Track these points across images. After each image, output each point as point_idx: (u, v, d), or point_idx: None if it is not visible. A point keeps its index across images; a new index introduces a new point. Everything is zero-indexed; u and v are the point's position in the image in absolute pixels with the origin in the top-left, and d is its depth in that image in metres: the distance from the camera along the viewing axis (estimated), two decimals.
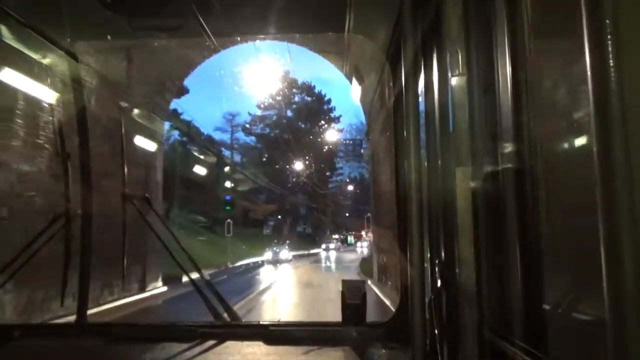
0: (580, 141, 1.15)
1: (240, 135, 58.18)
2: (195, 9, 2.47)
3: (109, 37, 3.81)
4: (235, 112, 55.18)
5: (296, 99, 55.76)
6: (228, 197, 43.59)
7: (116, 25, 2.78)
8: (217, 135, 53.73)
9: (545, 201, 1.38)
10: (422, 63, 2.11)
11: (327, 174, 61.45)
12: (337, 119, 57.45)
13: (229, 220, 26.82)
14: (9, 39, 2.89)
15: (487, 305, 1.43)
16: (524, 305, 1.25)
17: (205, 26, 2.61)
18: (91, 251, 3.05)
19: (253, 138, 56.61)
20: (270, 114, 55.45)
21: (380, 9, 2.55)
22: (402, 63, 2.34)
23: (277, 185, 52.47)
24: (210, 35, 2.73)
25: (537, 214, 1.36)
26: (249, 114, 55.47)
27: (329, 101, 56.05)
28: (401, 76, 2.46)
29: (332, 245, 54.07)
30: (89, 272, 3.04)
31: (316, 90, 56.16)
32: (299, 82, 54.68)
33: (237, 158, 55.90)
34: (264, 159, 55.86)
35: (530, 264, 1.29)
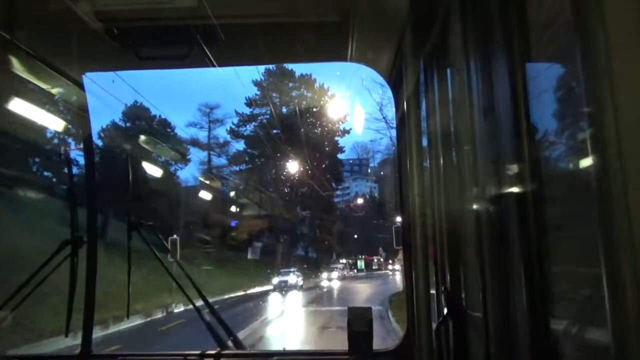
0: (585, 162, 1.14)
1: (221, 132, 48.71)
2: (200, 39, 2.52)
3: (116, 67, 3.89)
4: (213, 104, 45.57)
5: (294, 93, 45.69)
6: (234, 223, 37.96)
7: (123, 56, 2.83)
8: (191, 133, 43.74)
9: (552, 225, 1.36)
10: (424, 87, 2.13)
11: (332, 185, 51.38)
12: (343, 119, 46.41)
13: (174, 236, 16.72)
14: (20, 71, 2.95)
15: (494, 333, 1.39)
16: (532, 333, 1.22)
17: (209, 55, 2.66)
18: (96, 280, 3.04)
19: (241, 140, 47.03)
20: (262, 111, 46.35)
21: (382, 36, 2.59)
22: (404, 88, 2.37)
23: (270, 196, 43.14)
24: (215, 63, 2.78)
25: (543, 238, 1.34)
26: (236, 112, 46.47)
27: (332, 96, 44.96)
28: (403, 101, 2.49)
29: (292, 280, 34.49)
30: (94, 302, 3.02)
31: (317, 85, 45.30)
32: (297, 74, 44.74)
33: (217, 161, 46.14)
34: (253, 164, 46.32)
35: (537, 290, 1.27)
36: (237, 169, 47.39)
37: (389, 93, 3.06)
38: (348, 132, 49.09)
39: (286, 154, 41.72)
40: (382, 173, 59.10)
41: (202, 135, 46.22)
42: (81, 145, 3.29)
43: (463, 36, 1.60)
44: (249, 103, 46.30)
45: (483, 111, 1.47)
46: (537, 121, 1.31)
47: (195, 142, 44.62)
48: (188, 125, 45.13)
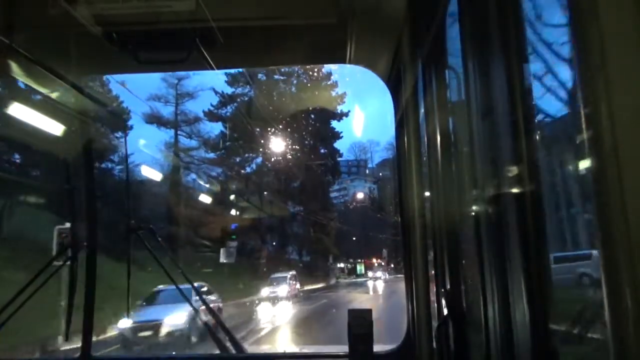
0: (583, 162, 1.14)
1: (191, 107, 42.31)
2: (199, 42, 2.53)
3: (115, 71, 3.90)
4: (182, 74, 36.99)
5: (283, 69, 38.73)
6: (234, 226, 33.33)
7: (122, 60, 2.84)
8: (152, 106, 35.95)
9: (551, 225, 1.36)
10: (422, 89, 2.13)
11: (329, 178, 45.45)
12: (340, 99, 39.61)
13: (65, 224, 9.82)
14: (19, 75, 2.96)
15: (494, 334, 1.39)
16: (532, 334, 1.22)
17: (208, 58, 2.66)
18: (96, 284, 3.04)
19: (219, 122, 39.45)
20: (245, 91, 39.64)
21: (380, 38, 2.60)
22: (403, 89, 2.37)
23: (255, 188, 37.13)
24: (214, 66, 2.78)
25: (543, 239, 1.34)
26: (215, 90, 39.38)
27: (329, 75, 38.67)
28: (402, 103, 2.49)
29: (175, 321, 14.31)
30: (94, 305, 3.02)
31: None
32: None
33: (187, 143, 39.15)
34: (232, 148, 39.02)
35: (537, 291, 1.27)
36: (214, 155, 39.58)
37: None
38: (346, 114, 41.46)
39: (274, 138, 35.14)
40: (380, 174, 58.10)
41: (167, 111, 38.28)
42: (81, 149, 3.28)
43: (461, 37, 1.60)
44: (230, 81, 39.94)
45: (482, 112, 1.47)
46: (535, 121, 1.32)
47: (156, 118, 36.36)
48: (149, 98, 37.08)
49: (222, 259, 28.66)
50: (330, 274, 47.41)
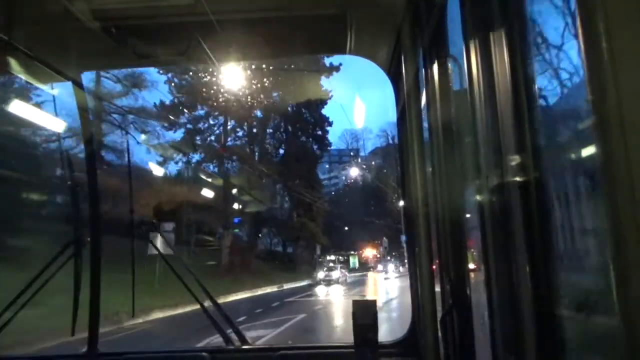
0: (588, 150, 1.14)
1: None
2: (199, 36, 2.52)
3: (114, 65, 3.89)
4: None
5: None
6: (237, 220, 30.14)
7: (122, 55, 2.83)
8: None
9: (554, 214, 1.36)
10: (424, 78, 2.12)
11: (316, 151, 37.07)
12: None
13: None
14: (18, 71, 2.95)
15: (499, 322, 1.40)
16: (538, 322, 1.22)
17: (208, 52, 2.65)
18: (101, 279, 3.05)
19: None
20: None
21: (380, 28, 2.58)
22: (404, 80, 2.36)
23: (217, 156, 29.09)
24: (214, 60, 2.77)
25: (546, 227, 1.34)
26: None
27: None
28: (404, 92, 2.48)
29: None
30: (100, 301, 3.04)
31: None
32: None
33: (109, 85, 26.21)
34: (184, 103, 29.29)
35: (542, 279, 1.27)
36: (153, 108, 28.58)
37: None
38: (337, 69, 31.16)
39: (244, 94, 26.87)
40: (373, 163, 57.71)
41: None
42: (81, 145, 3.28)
43: (462, 25, 1.59)
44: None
45: (483, 100, 1.46)
46: (539, 109, 1.31)
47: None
48: None
49: (160, 249, 19.29)
50: (318, 268, 38.40)
